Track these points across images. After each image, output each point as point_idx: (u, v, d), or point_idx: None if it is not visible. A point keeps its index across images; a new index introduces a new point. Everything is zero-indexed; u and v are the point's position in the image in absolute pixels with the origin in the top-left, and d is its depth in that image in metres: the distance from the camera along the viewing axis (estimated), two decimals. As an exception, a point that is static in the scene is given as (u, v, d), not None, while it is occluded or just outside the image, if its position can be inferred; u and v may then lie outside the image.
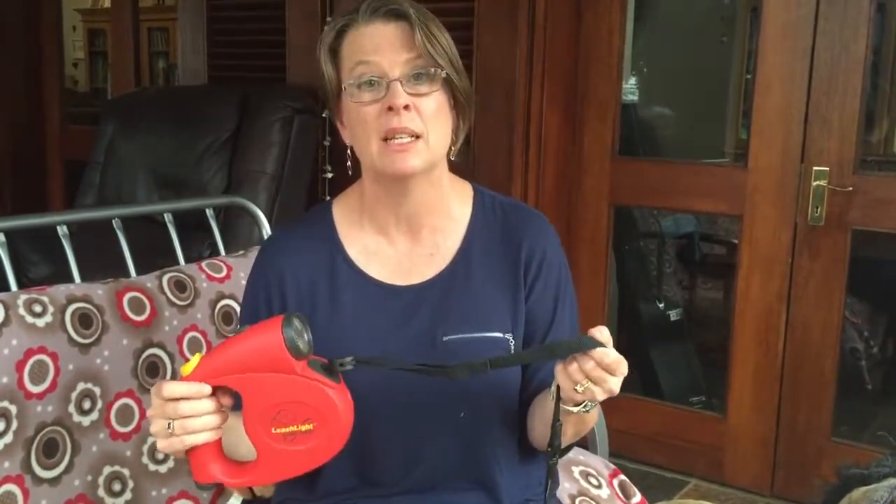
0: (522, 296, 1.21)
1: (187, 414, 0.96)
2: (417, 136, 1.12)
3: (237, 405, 1.00)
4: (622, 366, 1.01)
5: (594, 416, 1.19)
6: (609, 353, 1.00)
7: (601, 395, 1.02)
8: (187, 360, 1.55)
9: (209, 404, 0.97)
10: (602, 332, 1.00)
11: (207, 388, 0.97)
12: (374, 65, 1.12)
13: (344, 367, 0.99)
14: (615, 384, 1.02)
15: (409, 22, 1.13)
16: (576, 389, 1.02)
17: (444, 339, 1.17)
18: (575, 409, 1.06)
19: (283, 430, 0.97)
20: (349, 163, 1.21)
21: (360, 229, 1.24)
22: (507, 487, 1.21)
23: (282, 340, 0.94)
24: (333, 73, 1.17)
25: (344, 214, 1.25)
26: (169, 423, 0.97)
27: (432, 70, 1.13)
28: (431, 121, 1.13)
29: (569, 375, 1.02)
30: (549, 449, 1.12)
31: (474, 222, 1.25)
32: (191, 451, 0.99)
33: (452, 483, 1.19)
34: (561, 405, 1.08)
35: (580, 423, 1.18)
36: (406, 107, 1.11)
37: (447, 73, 1.14)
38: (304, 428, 0.97)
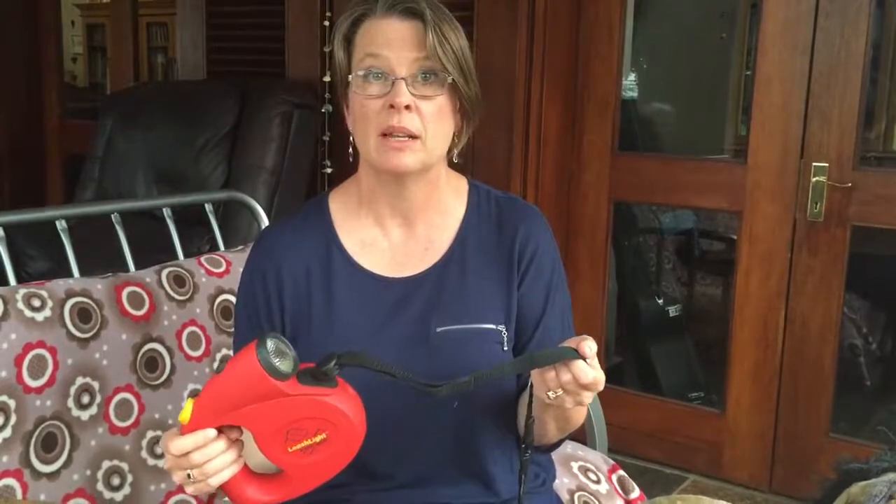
0: (515, 288, 1.21)
1: (202, 462, 0.95)
2: (415, 137, 1.12)
3: None
4: (598, 384, 1.01)
5: (580, 415, 1.19)
6: (588, 373, 0.99)
7: (570, 405, 1.03)
8: (186, 355, 1.57)
9: (220, 445, 0.96)
10: (590, 346, 1.00)
11: (212, 433, 0.95)
12: (383, 59, 1.12)
13: (329, 373, 0.94)
14: (587, 398, 1.02)
15: (424, 21, 1.12)
16: (547, 395, 1.02)
17: (437, 330, 1.17)
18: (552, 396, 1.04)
19: (299, 446, 0.94)
20: (350, 149, 1.21)
21: (358, 219, 1.24)
22: (504, 478, 1.21)
23: (260, 368, 0.90)
24: (345, 61, 1.17)
25: (341, 205, 1.26)
26: (189, 474, 0.96)
27: (439, 73, 1.13)
28: (431, 123, 1.13)
29: (544, 380, 1.02)
30: (523, 445, 1.13)
31: (469, 217, 1.25)
32: (223, 484, 0.98)
33: (448, 475, 1.20)
34: (535, 401, 1.08)
35: (564, 421, 1.19)
36: (408, 107, 1.11)
37: (453, 79, 1.14)
38: (318, 439, 0.94)
